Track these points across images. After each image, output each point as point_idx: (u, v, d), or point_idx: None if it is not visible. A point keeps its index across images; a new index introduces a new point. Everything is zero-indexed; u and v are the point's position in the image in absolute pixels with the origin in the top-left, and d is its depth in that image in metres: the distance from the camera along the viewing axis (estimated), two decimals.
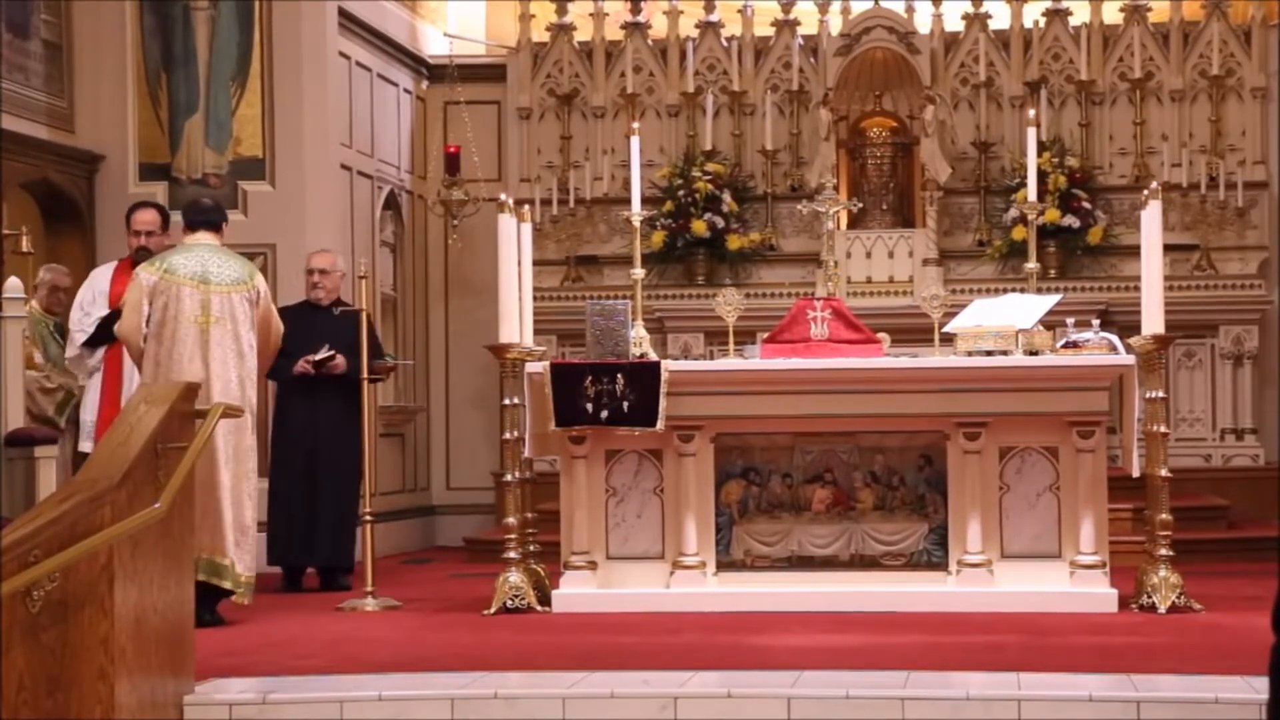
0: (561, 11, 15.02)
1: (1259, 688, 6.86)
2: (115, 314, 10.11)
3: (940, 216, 14.39)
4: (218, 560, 9.33)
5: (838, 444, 9.88)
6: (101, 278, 10.79)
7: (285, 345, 10.49)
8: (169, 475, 6.85)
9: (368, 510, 10.53)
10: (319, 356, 11.31)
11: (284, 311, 10.65)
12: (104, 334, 10.39)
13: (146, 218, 10.76)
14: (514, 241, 10.13)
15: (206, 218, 9.83)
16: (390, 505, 13.90)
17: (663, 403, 9.64)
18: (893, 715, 6.85)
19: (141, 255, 10.46)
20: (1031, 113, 11.12)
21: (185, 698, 7.09)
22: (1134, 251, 11.34)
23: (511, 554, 9.81)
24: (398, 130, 14.59)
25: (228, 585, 9.37)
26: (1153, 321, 9.68)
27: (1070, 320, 10.25)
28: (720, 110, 14.80)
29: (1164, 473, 9.69)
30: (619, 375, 9.67)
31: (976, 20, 14.70)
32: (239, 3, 12.74)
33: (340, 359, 11.31)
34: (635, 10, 14.98)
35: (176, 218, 10.31)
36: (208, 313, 9.49)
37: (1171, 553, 9.57)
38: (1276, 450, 14.11)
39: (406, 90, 14.77)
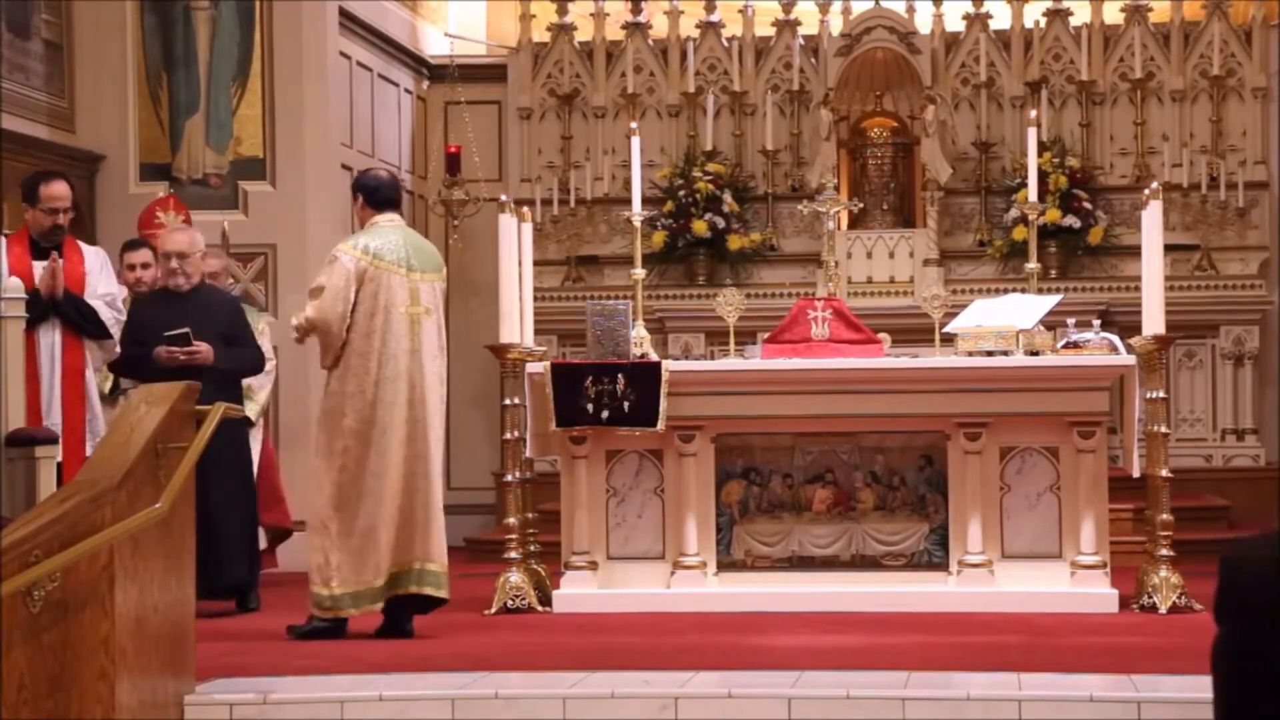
0: (562, 11, 15.02)
1: None
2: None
3: (941, 217, 14.38)
4: (430, 568, 8.81)
5: (838, 444, 9.89)
6: None
7: (140, 336, 9.63)
8: (169, 475, 6.85)
9: None
10: (175, 333, 9.67)
11: (139, 300, 10.07)
12: None
13: (62, 191, 9.63)
14: (514, 241, 10.14)
15: (394, 195, 9.07)
16: None
17: (663, 403, 9.64)
18: (893, 715, 6.85)
19: (57, 234, 9.55)
20: (1032, 113, 11.13)
21: (186, 698, 7.09)
22: (1135, 252, 11.34)
23: (512, 554, 9.82)
24: (398, 130, 14.59)
25: (444, 594, 8.84)
26: (1153, 322, 9.68)
27: (1071, 320, 10.25)
28: (721, 110, 14.80)
29: (1165, 473, 9.69)
30: (620, 375, 9.68)
31: (977, 20, 14.70)
32: (240, 3, 12.73)
33: (205, 348, 9.72)
34: (636, 10, 14.97)
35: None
36: (418, 302, 8.80)
37: (1172, 553, 9.57)
38: (1277, 450, 14.10)
39: (407, 90, 14.76)
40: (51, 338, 9.52)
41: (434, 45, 15.18)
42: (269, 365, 10.98)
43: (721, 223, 14.41)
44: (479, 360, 14.28)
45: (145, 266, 10.69)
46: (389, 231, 8.92)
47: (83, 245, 9.78)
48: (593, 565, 9.84)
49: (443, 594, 8.86)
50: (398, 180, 9.13)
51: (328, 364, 8.83)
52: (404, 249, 8.86)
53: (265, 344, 11.08)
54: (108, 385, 10.43)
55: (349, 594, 8.73)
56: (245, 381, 10.39)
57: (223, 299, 10.19)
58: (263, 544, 11.47)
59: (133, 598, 6.66)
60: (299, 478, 12.41)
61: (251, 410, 10.77)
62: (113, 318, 9.64)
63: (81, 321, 9.38)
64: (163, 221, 11.42)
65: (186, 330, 9.66)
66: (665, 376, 9.68)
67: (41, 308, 9.33)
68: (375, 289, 8.72)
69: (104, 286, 9.68)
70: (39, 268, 9.40)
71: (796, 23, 14.86)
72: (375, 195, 9.02)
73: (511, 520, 9.90)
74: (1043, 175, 13.52)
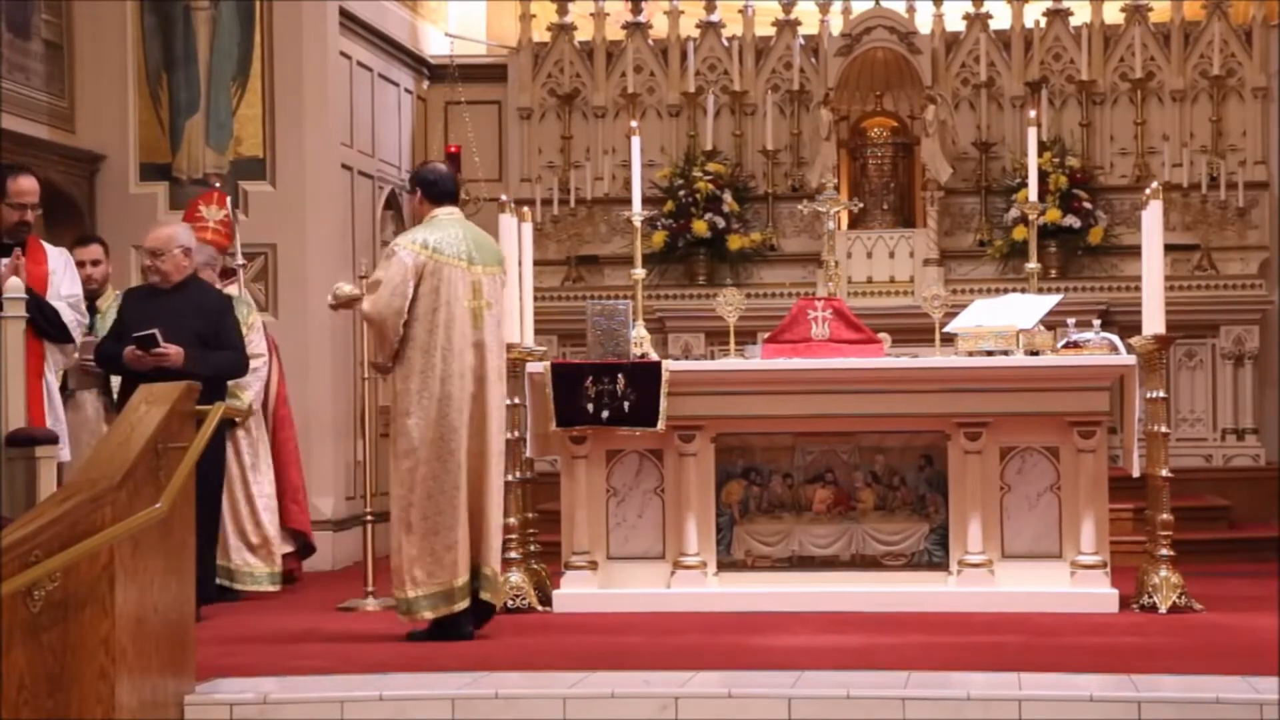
0: (562, 11, 15.02)
1: (1260, 688, 6.86)
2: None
3: (941, 216, 14.38)
4: (485, 572, 8.64)
5: (838, 444, 9.89)
6: None
7: (120, 331, 9.45)
8: (169, 475, 6.85)
9: (369, 510, 10.52)
10: (142, 333, 9.37)
11: (129, 294, 9.88)
12: None
13: (32, 186, 9.13)
14: (515, 241, 10.14)
15: (453, 188, 8.94)
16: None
17: (663, 403, 9.64)
18: (893, 715, 6.85)
19: (23, 230, 9.04)
20: (1032, 113, 11.11)
21: (186, 698, 7.08)
22: (1135, 251, 11.35)
23: (512, 554, 9.81)
24: (399, 130, 14.59)
25: (488, 597, 8.67)
26: (1153, 321, 9.68)
27: (1071, 320, 10.25)
28: (721, 110, 14.80)
29: (1165, 473, 9.70)
30: (620, 375, 9.67)
31: (977, 20, 14.70)
32: (240, 2, 12.73)
33: (174, 351, 9.39)
34: (636, 10, 14.98)
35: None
36: (479, 296, 8.64)
37: (1172, 553, 9.58)
38: (1277, 450, 14.10)
39: (407, 90, 14.77)
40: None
41: (434, 45, 15.18)
42: (258, 363, 10.86)
43: (721, 223, 14.41)
44: None
45: (95, 264, 10.48)
46: (449, 225, 8.76)
47: (46, 245, 9.34)
48: (593, 565, 9.84)
49: (498, 600, 8.75)
50: (456, 174, 8.96)
51: (383, 360, 8.65)
52: (464, 242, 8.71)
53: (257, 338, 10.94)
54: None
55: (425, 596, 8.55)
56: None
57: (208, 297, 9.91)
58: (289, 548, 11.38)
59: (133, 598, 6.66)
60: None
61: (244, 400, 10.69)
62: (75, 320, 9.17)
63: (43, 323, 8.90)
64: (204, 216, 11.28)
65: (154, 332, 9.36)
66: (665, 376, 9.68)
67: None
68: (436, 283, 8.55)
69: (67, 287, 9.21)
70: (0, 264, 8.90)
71: (796, 23, 14.86)
72: (434, 189, 8.84)
73: (511, 520, 9.89)
74: (1043, 175, 13.52)
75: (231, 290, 11.18)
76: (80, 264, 10.37)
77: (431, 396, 8.56)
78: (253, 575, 10.86)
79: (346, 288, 9.04)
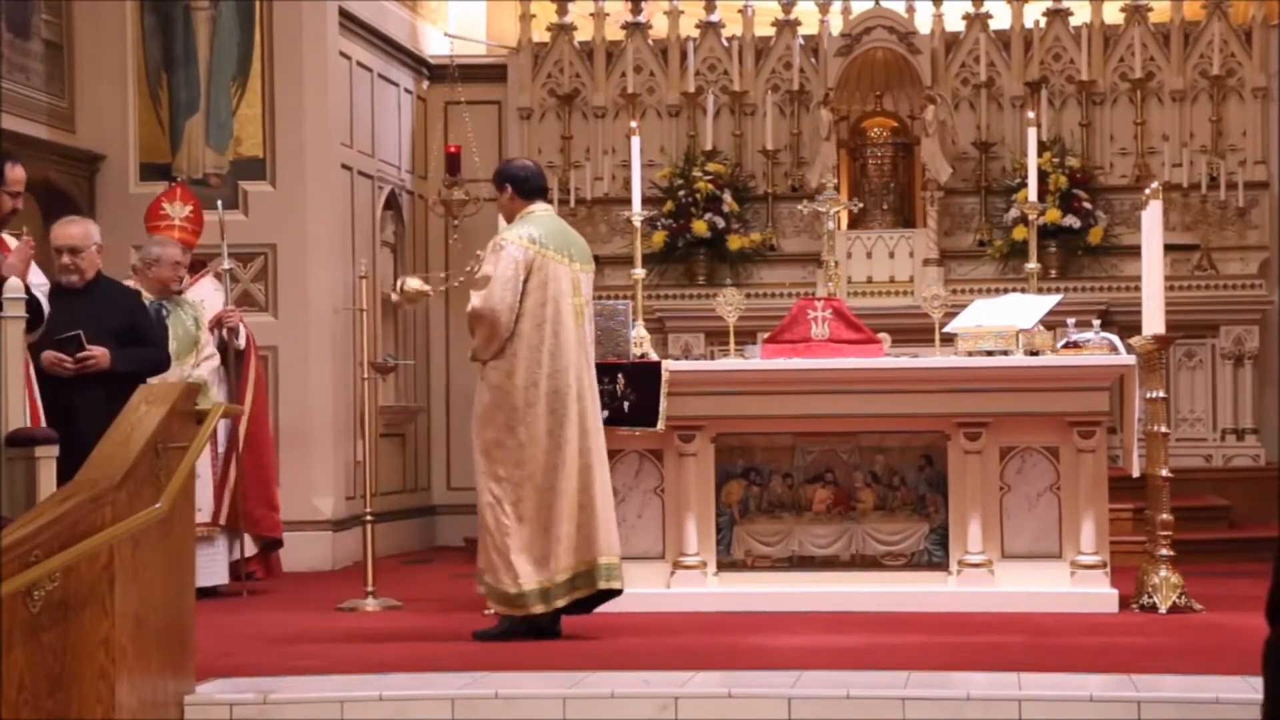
0: (562, 11, 15.02)
1: (1260, 688, 6.85)
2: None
3: (941, 216, 14.39)
4: (609, 561, 8.59)
5: (838, 444, 9.89)
6: None
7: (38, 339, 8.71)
8: (169, 475, 6.85)
9: (369, 510, 10.52)
10: (65, 335, 8.97)
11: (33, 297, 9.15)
12: None
13: (23, 175, 8.57)
14: None
15: (544, 184, 8.85)
16: (391, 505, 13.90)
17: (663, 403, 9.64)
18: (893, 715, 6.85)
19: (9, 220, 8.53)
20: (1032, 113, 11.12)
21: (186, 698, 7.08)
22: (1135, 251, 11.35)
23: None
24: (398, 130, 14.59)
25: (618, 585, 8.64)
26: (1153, 321, 9.69)
27: (1071, 320, 10.25)
28: (721, 110, 14.80)
29: (1165, 473, 9.70)
30: (620, 375, 9.67)
31: (977, 20, 14.70)
32: (240, 3, 12.74)
33: (101, 352, 9.15)
34: (636, 10, 14.98)
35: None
36: (579, 293, 8.61)
37: (1172, 553, 9.58)
38: (1277, 450, 14.10)
39: (407, 90, 14.77)
40: None
41: (434, 45, 15.18)
42: (210, 349, 10.80)
43: (721, 223, 14.41)
44: None
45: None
46: (547, 220, 8.70)
47: (4, 235, 8.74)
48: None
49: (623, 585, 8.67)
50: (539, 168, 8.95)
51: (488, 356, 8.55)
52: (563, 238, 8.69)
53: (203, 334, 10.82)
54: None
55: (535, 590, 8.51)
56: (200, 376, 10.34)
57: (120, 295, 9.66)
58: (250, 551, 11.29)
59: (133, 598, 6.66)
60: (299, 477, 12.43)
61: (205, 405, 10.54)
62: (46, 311, 8.53)
63: (29, 314, 8.23)
64: (168, 213, 11.21)
65: (78, 333, 9.04)
66: (665, 376, 9.68)
67: None
68: (544, 279, 8.50)
69: (37, 276, 8.60)
70: None
71: (796, 23, 14.87)
72: (526, 185, 8.75)
73: None
74: (1043, 175, 13.52)
75: (205, 286, 11.11)
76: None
77: (540, 391, 8.51)
78: None
79: (415, 282, 8.93)
